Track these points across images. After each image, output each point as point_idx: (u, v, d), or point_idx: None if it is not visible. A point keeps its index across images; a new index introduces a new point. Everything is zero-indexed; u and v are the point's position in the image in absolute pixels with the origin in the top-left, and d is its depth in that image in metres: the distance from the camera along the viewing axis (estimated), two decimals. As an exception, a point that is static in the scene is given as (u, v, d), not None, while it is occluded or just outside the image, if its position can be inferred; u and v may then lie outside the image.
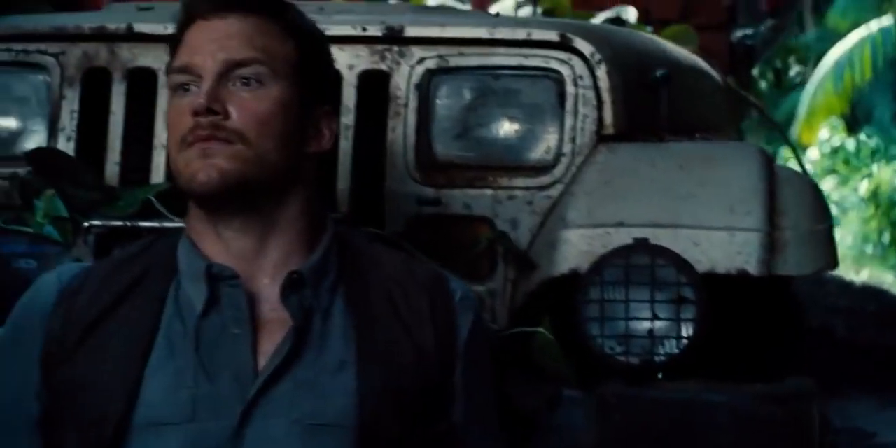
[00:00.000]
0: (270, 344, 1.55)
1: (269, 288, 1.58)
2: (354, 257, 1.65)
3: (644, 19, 3.71)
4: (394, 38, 2.17)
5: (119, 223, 2.04)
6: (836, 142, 11.11)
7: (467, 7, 3.36)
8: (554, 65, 2.14)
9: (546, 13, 3.56)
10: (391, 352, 1.56)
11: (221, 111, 1.56)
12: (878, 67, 10.43)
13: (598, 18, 3.55)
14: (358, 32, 2.17)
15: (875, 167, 10.62)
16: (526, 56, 2.15)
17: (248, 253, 1.59)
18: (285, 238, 1.60)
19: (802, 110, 10.66)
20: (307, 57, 1.63)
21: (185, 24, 1.66)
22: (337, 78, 1.68)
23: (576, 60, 2.12)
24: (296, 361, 1.53)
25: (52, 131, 2.24)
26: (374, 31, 2.16)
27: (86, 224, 2.04)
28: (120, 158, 2.22)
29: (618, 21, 3.50)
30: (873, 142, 11.08)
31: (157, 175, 2.21)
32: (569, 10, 3.64)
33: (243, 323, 1.55)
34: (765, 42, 3.91)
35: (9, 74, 2.29)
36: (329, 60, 1.72)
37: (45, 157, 2.15)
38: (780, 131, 3.00)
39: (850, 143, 11.08)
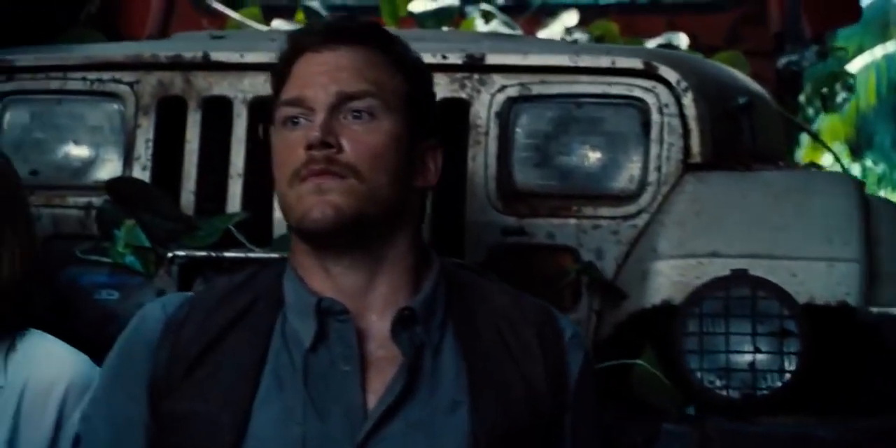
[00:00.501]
0: (380, 382, 1.51)
1: (377, 324, 1.54)
2: (461, 292, 1.61)
3: (692, 46, 3.67)
4: (474, 65, 2.14)
5: (203, 253, 2.01)
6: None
7: (519, 33, 3.31)
8: (638, 93, 2.10)
9: (596, 40, 3.52)
10: (505, 392, 1.52)
11: (335, 144, 1.53)
12: (881, 94, 10.40)
13: (649, 45, 3.51)
14: (438, 60, 2.13)
15: (882, 194, 10.59)
16: (609, 84, 2.11)
17: (356, 288, 1.55)
18: (393, 273, 1.57)
19: (806, 135, 10.59)
20: (415, 90, 1.62)
21: (292, 56, 1.62)
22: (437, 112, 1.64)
23: (661, 88, 2.09)
24: (408, 400, 1.49)
25: (127, 160, 2.20)
26: (455, 58, 2.13)
27: (169, 255, 2.00)
28: (195, 187, 2.18)
29: (669, 47, 3.47)
30: (879, 168, 11.04)
31: (234, 204, 2.16)
32: (618, 36, 3.60)
33: (353, 359, 1.51)
34: (810, 68, 3.89)
35: (82, 103, 2.25)
36: (433, 93, 1.70)
37: (123, 187, 2.11)
38: (835, 157, 2.97)
39: (856, 170, 11.02)
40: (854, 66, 10.30)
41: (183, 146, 2.20)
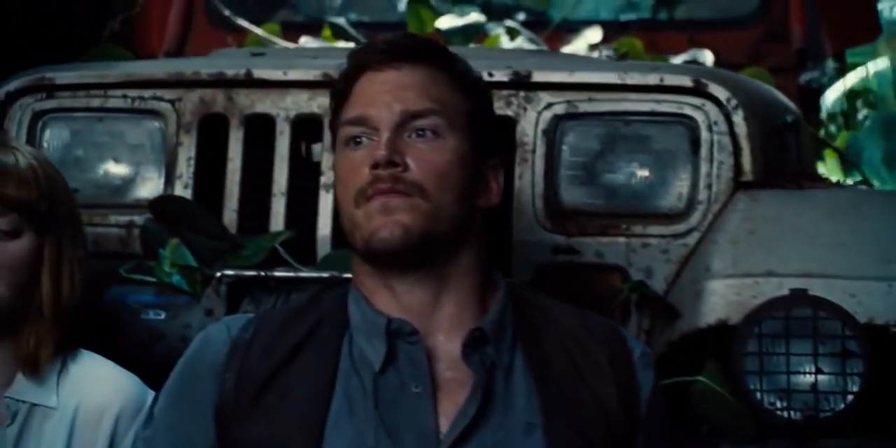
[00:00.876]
0: (451, 404, 1.48)
1: (444, 345, 1.52)
2: (527, 312, 1.59)
3: (715, 63, 3.65)
4: (520, 83, 2.11)
5: (252, 273, 1.97)
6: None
7: (545, 49, 3.29)
8: (687, 110, 2.07)
9: (620, 57, 3.50)
10: (577, 413, 1.49)
11: (401, 163, 1.51)
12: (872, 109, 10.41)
13: (675, 62, 3.49)
14: (484, 78, 2.11)
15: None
16: (658, 101, 2.08)
17: (422, 308, 1.53)
18: (459, 292, 1.54)
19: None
20: (477, 108, 1.60)
21: (353, 75, 1.60)
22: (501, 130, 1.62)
23: (710, 106, 2.06)
24: (482, 424, 1.46)
25: (169, 178, 2.17)
26: (501, 76, 2.10)
27: (218, 274, 1.96)
28: (238, 206, 2.15)
29: (695, 64, 3.45)
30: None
31: (277, 223, 2.13)
32: (643, 53, 3.59)
33: (424, 381, 1.48)
34: (830, 85, 3.88)
35: (123, 121, 2.22)
36: (493, 112, 1.68)
37: (167, 205, 2.08)
38: (862, 174, 2.95)
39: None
40: (848, 82, 10.30)
41: (224, 164, 2.17)
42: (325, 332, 1.53)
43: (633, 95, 2.09)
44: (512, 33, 3.43)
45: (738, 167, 2.04)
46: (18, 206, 1.68)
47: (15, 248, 1.68)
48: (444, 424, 1.46)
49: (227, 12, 3.54)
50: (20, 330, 1.71)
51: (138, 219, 2.14)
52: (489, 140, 1.62)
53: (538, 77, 2.11)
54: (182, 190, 2.17)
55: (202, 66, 2.21)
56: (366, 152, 1.53)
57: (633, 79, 2.09)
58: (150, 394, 1.74)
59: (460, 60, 1.63)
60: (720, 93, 2.06)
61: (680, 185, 2.07)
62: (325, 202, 2.12)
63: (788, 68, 3.92)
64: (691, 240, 2.03)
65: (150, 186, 2.20)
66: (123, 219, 2.17)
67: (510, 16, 3.76)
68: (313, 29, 3.55)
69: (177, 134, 2.18)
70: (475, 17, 3.32)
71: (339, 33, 3.23)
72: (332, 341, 1.52)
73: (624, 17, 4.14)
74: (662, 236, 2.05)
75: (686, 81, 2.07)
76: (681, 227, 2.04)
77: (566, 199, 2.10)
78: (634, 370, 1.55)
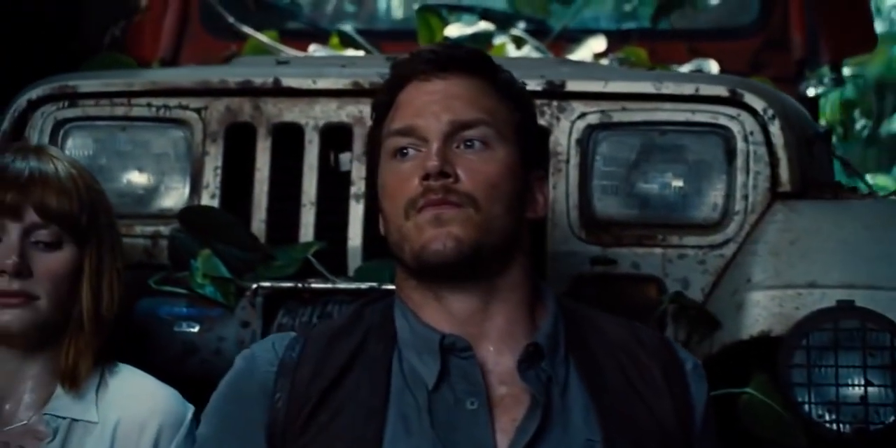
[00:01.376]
0: (508, 420, 1.44)
1: (495, 359, 1.48)
2: (577, 324, 1.56)
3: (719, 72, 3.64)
4: (554, 92, 2.09)
5: (289, 284, 1.93)
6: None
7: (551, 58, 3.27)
8: (723, 120, 2.05)
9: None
10: (636, 428, 1.46)
11: (452, 174, 1.48)
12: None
13: (681, 71, 3.48)
14: (517, 87, 2.08)
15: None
16: (693, 111, 2.06)
17: (472, 322, 1.49)
18: (508, 305, 1.51)
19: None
20: (524, 118, 1.58)
21: (397, 85, 1.57)
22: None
23: (745, 116, 2.04)
24: (541, 440, 1.43)
25: (195, 188, 2.13)
26: (535, 85, 2.07)
27: (254, 286, 1.92)
28: (266, 216, 2.11)
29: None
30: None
31: (307, 233, 2.09)
32: (647, 63, 3.57)
33: (479, 397, 1.45)
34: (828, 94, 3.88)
35: (148, 130, 2.17)
36: (534, 119, 1.66)
37: (197, 215, 2.03)
38: (868, 187, 2.93)
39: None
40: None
41: (250, 174, 2.13)
42: (374, 349, 1.49)
43: (668, 105, 2.07)
44: (518, 42, 3.40)
45: (774, 178, 2.02)
46: (60, 218, 1.63)
47: (56, 259, 1.63)
48: (503, 441, 1.42)
49: (231, 19, 3.48)
50: (59, 343, 1.66)
51: (164, 229, 2.10)
52: (535, 151, 1.61)
53: (572, 86, 2.08)
54: (209, 200, 2.12)
55: (229, 74, 2.17)
56: (415, 163, 1.50)
57: (669, 88, 2.07)
58: (190, 408, 1.69)
59: (505, 71, 1.60)
60: (756, 103, 2.04)
61: (715, 196, 2.05)
62: (356, 212, 2.09)
63: (788, 78, 3.91)
64: (728, 250, 2.01)
65: (174, 196, 2.15)
66: (149, 229, 2.12)
67: (510, 24, 3.73)
68: (310, 36, 3.50)
69: (203, 143, 2.14)
70: (483, 25, 3.29)
71: (347, 41, 3.19)
72: (382, 358, 1.48)
73: (625, 27, 4.13)
74: (699, 247, 2.02)
75: (722, 91, 2.05)
76: (717, 238, 2.02)
77: (600, 210, 2.08)
78: (688, 383, 1.53)
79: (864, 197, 2.06)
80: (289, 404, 1.46)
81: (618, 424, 1.45)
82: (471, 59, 1.58)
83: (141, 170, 2.17)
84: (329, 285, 1.93)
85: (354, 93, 2.11)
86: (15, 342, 1.64)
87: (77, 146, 2.17)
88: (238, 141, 2.14)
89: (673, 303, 1.96)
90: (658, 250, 2.03)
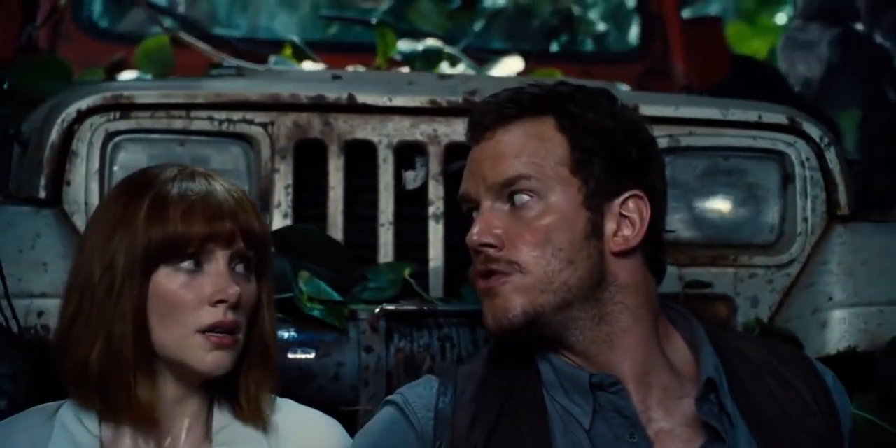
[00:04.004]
0: None
1: (636, 393, 1.44)
2: (718, 349, 1.50)
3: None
4: (625, 116, 2.08)
5: (413, 307, 1.83)
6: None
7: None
8: (781, 146, 2.12)
9: (541, 86, 3.52)
10: None
11: (496, 242, 1.43)
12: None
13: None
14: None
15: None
16: (755, 137, 2.12)
17: (603, 365, 1.44)
18: (633, 340, 1.45)
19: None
20: (583, 150, 1.45)
21: (472, 139, 1.51)
22: (646, 157, 1.49)
23: (801, 143, 2.12)
24: None
25: (265, 207, 1.98)
26: None
27: (377, 310, 1.80)
28: (343, 236, 1.99)
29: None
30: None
31: (386, 254, 2.00)
32: (560, 81, 3.62)
33: (638, 429, 1.41)
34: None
35: (208, 145, 2.00)
36: (621, 144, 1.48)
37: (291, 235, 1.89)
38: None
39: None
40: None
41: (320, 192, 2.01)
42: (523, 392, 1.43)
43: (731, 131, 2.11)
44: (452, 60, 3.37)
45: (831, 201, 2.10)
46: (260, 244, 1.48)
47: (252, 288, 1.48)
48: None
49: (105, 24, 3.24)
50: (226, 376, 1.50)
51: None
52: (610, 177, 1.46)
53: (644, 111, 2.08)
54: (281, 219, 1.99)
55: (299, 88, 2.03)
56: (470, 233, 1.45)
57: (735, 115, 2.11)
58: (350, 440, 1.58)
59: (578, 102, 1.48)
60: (813, 131, 2.12)
61: (776, 218, 2.11)
62: (436, 233, 2.01)
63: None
64: (793, 270, 2.07)
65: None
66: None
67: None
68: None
69: (272, 160, 1.99)
70: (431, 42, 3.24)
71: (299, 53, 3.05)
72: (535, 401, 1.43)
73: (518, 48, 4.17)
74: (767, 267, 2.08)
75: (782, 119, 2.12)
76: (784, 258, 2.09)
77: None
78: (833, 399, 1.49)
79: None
80: None
81: None
82: (532, 103, 1.48)
83: None
84: (455, 308, 1.84)
85: (430, 111, 2.04)
86: (196, 380, 1.48)
87: (129, 160, 1.98)
88: (306, 158, 2.01)
89: (757, 326, 2.00)
90: (731, 270, 2.07)
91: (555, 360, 1.44)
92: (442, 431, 1.41)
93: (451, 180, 2.01)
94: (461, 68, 3.36)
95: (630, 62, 4.05)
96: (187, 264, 1.44)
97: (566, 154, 1.45)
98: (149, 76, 2.96)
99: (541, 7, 4.32)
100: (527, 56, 3.94)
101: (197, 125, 1.99)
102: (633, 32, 4.18)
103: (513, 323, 1.41)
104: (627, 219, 1.46)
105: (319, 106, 2.01)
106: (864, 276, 2.01)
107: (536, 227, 1.42)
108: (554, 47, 4.17)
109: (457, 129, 2.02)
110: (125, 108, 1.97)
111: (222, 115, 2.00)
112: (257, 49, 3.22)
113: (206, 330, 1.45)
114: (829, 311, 1.99)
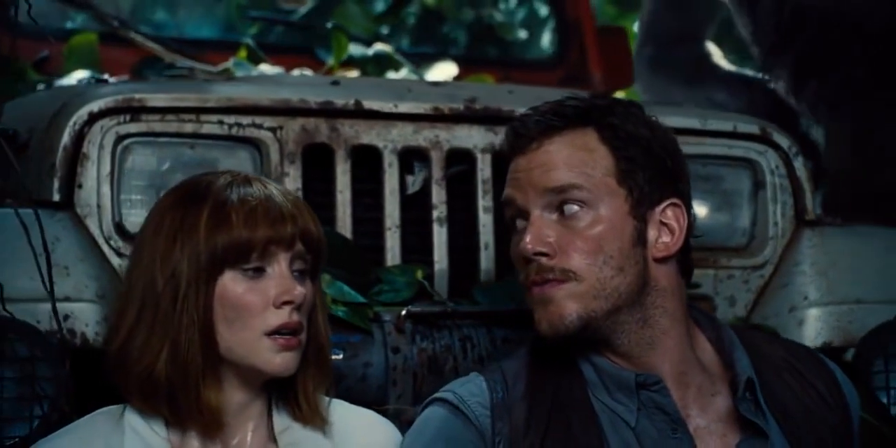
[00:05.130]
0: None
1: (675, 392, 1.51)
2: (746, 348, 1.58)
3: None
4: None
5: (436, 309, 1.86)
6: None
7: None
8: (752, 155, 2.23)
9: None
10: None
11: (549, 251, 1.48)
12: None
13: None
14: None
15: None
16: (730, 146, 2.22)
17: (644, 365, 1.52)
18: (669, 342, 1.52)
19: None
20: (628, 161, 1.52)
21: (510, 157, 1.56)
22: (679, 166, 1.55)
23: (771, 152, 2.23)
24: None
25: (276, 210, 1.97)
26: None
27: (403, 311, 1.83)
28: (352, 239, 2.01)
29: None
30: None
31: (393, 257, 2.02)
32: (489, 88, 3.68)
33: (681, 425, 1.48)
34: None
35: (218, 148, 1.99)
36: (659, 154, 1.55)
37: (311, 240, 1.89)
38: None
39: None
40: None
41: (329, 196, 2.02)
42: (572, 392, 1.49)
43: (709, 140, 2.21)
44: (396, 66, 3.40)
45: (798, 207, 2.22)
46: (318, 246, 1.49)
47: (310, 289, 1.50)
48: None
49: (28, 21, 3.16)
50: (276, 380, 1.51)
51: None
52: (652, 186, 1.52)
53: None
54: (291, 222, 1.98)
55: (307, 93, 2.04)
56: (520, 241, 1.50)
57: (712, 125, 2.21)
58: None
59: (617, 114, 1.54)
60: (783, 141, 2.24)
61: (749, 223, 2.22)
62: (440, 236, 2.05)
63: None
64: (766, 271, 2.19)
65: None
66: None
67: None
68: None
69: (281, 164, 2.00)
70: (381, 46, 3.26)
71: (253, 55, 3.03)
72: (582, 399, 1.49)
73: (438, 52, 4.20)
74: (743, 268, 2.19)
75: (755, 129, 2.23)
76: (758, 260, 2.20)
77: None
78: (844, 392, 1.58)
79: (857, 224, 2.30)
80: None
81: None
82: (575, 115, 1.53)
83: None
84: (476, 309, 1.88)
85: (433, 118, 2.07)
86: (259, 382, 1.48)
87: (139, 163, 1.96)
88: (314, 162, 2.02)
89: (740, 323, 2.10)
90: (711, 271, 2.17)
91: (597, 361, 1.50)
92: (500, 427, 1.46)
93: (452, 184, 2.07)
94: (404, 73, 3.40)
95: (550, 68, 4.14)
96: (251, 268, 1.45)
97: (612, 164, 1.50)
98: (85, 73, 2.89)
99: (451, 11, 4.39)
100: (453, 61, 4.00)
101: (207, 129, 1.98)
102: (553, 40, 4.28)
103: (569, 328, 1.46)
104: (667, 226, 1.52)
105: (327, 111, 2.02)
106: (834, 276, 2.14)
107: (588, 236, 1.47)
108: (479, 52, 4.24)
109: (457, 135, 2.07)
110: (136, 111, 1.94)
111: (232, 119, 1.99)
112: (185, 49, 3.19)
113: (273, 332, 1.46)
114: (806, 310, 2.11)
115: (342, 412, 1.57)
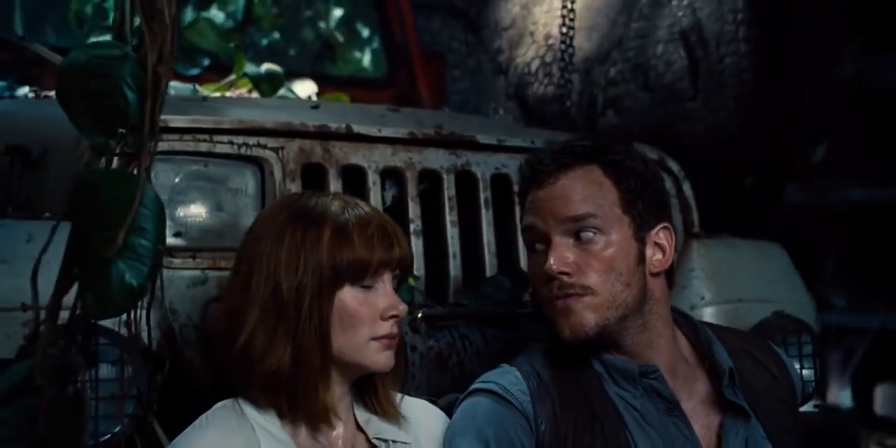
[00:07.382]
0: (700, 426, 1.74)
1: (669, 380, 1.74)
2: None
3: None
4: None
5: (446, 311, 2.06)
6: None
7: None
8: (648, 179, 2.56)
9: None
10: (787, 428, 1.80)
11: (570, 270, 1.67)
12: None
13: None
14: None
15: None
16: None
17: (644, 356, 1.74)
18: (663, 341, 1.75)
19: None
20: (629, 192, 1.71)
21: (527, 187, 1.75)
22: (665, 194, 1.81)
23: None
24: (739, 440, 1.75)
25: (279, 223, 2.11)
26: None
27: (419, 314, 2.02)
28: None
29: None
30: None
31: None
32: (350, 107, 3.86)
33: (677, 406, 1.73)
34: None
35: (229, 167, 2.11)
36: (652, 184, 1.76)
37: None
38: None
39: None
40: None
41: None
42: (591, 382, 1.71)
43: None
44: (282, 83, 3.50)
45: (687, 222, 2.58)
46: (408, 267, 1.67)
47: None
48: (709, 439, 1.72)
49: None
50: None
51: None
52: (653, 210, 1.73)
53: (482, 139, 2.35)
54: (293, 235, 2.12)
55: (305, 117, 2.18)
56: (541, 259, 1.68)
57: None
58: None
59: (618, 151, 1.73)
60: (674, 166, 2.59)
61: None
62: (417, 247, 2.24)
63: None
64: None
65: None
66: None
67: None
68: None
69: (284, 181, 2.14)
70: (270, 66, 3.37)
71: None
72: (599, 388, 1.71)
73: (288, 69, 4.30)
74: (650, 274, 2.51)
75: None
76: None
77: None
78: (789, 371, 1.87)
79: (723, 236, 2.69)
80: (554, 430, 1.65)
81: (776, 425, 1.78)
82: (584, 153, 1.73)
83: (220, 205, 2.10)
84: (477, 311, 2.10)
85: (408, 141, 2.27)
86: (354, 378, 1.65)
87: (160, 179, 2.03)
88: (310, 180, 2.18)
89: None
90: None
91: (604, 357, 1.73)
92: (539, 411, 1.66)
93: (424, 200, 2.27)
94: (282, 91, 3.51)
95: (384, 88, 4.36)
96: (365, 284, 1.62)
97: (617, 196, 1.71)
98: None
99: (291, 30, 4.51)
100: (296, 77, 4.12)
101: (220, 149, 2.09)
102: (383, 61, 4.50)
103: (588, 335, 1.68)
104: (660, 246, 1.75)
105: (322, 134, 2.18)
106: (719, 280, 2.50)
107: (602, 258, 1.68)
108: (320, 69, 4.38)
109: (427, 157, 2.28)
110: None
111: (240, 139, 2.11)
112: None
113: (379, 338, 1.63)
114: (703, 308, 2.47)
115: (406, 404, 1.74)
